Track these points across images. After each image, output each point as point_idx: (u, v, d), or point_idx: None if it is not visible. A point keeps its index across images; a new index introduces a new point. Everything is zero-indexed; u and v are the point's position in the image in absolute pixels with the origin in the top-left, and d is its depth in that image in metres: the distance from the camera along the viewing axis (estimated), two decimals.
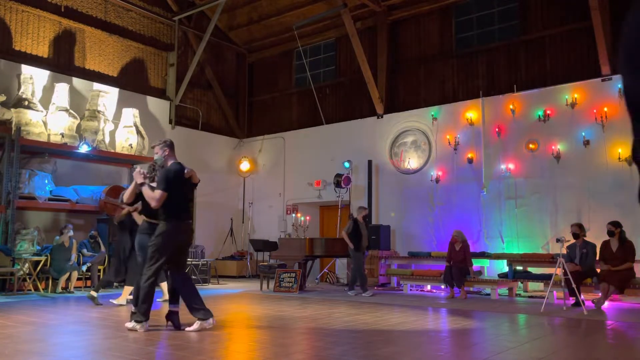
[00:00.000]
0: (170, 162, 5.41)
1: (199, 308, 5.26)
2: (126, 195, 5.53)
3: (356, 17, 12.85)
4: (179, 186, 5.29)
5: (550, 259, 8.99)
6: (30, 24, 11.06)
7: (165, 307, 5.69)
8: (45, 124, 10.34)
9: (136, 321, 5.16)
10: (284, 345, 4.69)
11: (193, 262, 11.24)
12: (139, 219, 7.47)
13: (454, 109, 11.54)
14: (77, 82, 11.42)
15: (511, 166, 10.59)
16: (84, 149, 10.43)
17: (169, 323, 5.38)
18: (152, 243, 5.21)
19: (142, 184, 5.31)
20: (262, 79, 15.62)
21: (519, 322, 6.50)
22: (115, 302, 7.56)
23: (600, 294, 7.60)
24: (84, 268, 9.57)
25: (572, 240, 8.13)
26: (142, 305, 5.17)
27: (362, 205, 10.10)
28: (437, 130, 11.69)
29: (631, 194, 9.32)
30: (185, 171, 5.41)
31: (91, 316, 6.38)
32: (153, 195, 5.19)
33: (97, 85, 11.60)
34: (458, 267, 9.00)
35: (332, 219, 13.34)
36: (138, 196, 5.73)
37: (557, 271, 7.37)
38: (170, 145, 5.51)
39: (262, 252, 11.72)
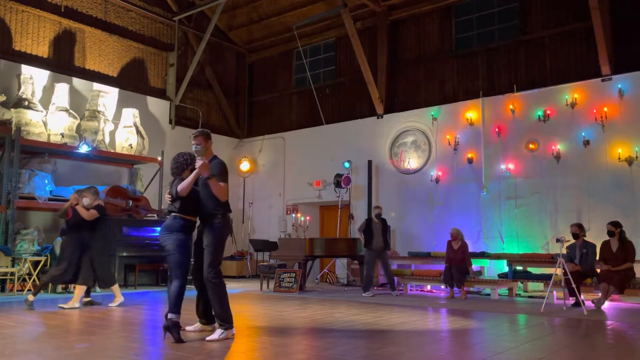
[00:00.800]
0: (211, 155, 5.12)
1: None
2: (184, 188, 4.83)
3: (356, 17, 12.85)
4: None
5: (550, 259, 8.99)
6: (30, 24, 11.06)
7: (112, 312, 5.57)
8: (45, 124, 10.34)
9: (227, 329, 4.87)
10: (284, 345, 4.69)
11: (192, 262, 11.21)
12: (87, 214, 7.13)
13: (454, 109, 11.55)
14: (77, 82, 11.42)
15: (511, 166, 10.59)
16: (84, 149, 10.43)
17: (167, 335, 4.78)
18: (214, 240, 4.92)
19: (209, 178, 4.87)
20: (262, 79, 15.62)
21: (519, 322, 6.50)
22: (65, 306, 6.97)
23: (600, 294, 7.60)
24: None
25: (572, 240, 8.13)
26: (227, 309, 4.91)
27: (377, 205, 10.09)
28: (437, 130, 11.69)
29: (631, 194, 9.33)
30: None
31: (91, 316, 6.38)
32: (224, 188, 4.89)
33: (97, 85, 11.60)
34: (457, 266, 9.00)
35: (332, 219, 13.34)
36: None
37: (557, 271, 7.37)
38: (210, 136, 5.22)
39: (262, 252, 11.71)
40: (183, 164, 5.05)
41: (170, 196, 5.01)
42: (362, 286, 9.31)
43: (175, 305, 4.76)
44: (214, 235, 4.95)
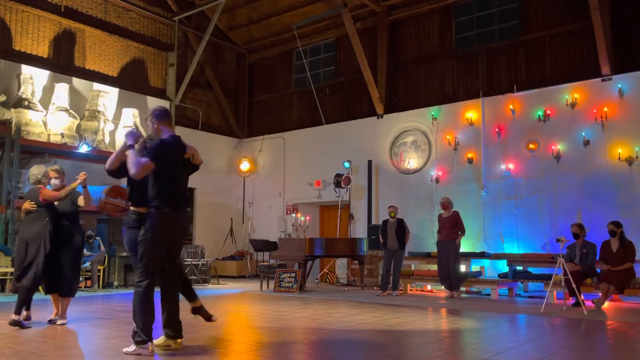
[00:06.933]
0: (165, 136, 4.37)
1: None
2: (110, 160, 4.43)
3: (356, 17, 12.85)
4: (172, 164, 4.30)
5: (550, 259, 8.98)
6: (30, 24, 11.06)
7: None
8: (45, 124, 10.34)
9: (138, 343, 4.13)
10: (284, 345, 4.69)
11: (193, 262, 11.24)
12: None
13: (454, 109, 11.54)
14: (77, 82, 11.42)
15: (511, 166, 10.59)
16: (84, 149, 10.43)
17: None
18: (142, 235, 4.22)
19: (131, 146, 4.28)
20: (262, 79, 15.61)
21: (519, 322, 6.50)
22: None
23: (600, 294, 7.60)
24: (85, 267, 9.55)
25: (572, 240, 8.13)
26: (143, 321, 4.13)
27: (390, 205, 10.12)
28: (437, 130, 11.68)
29: (631, 194, 9.33)
30: (187, 149, 4.44)
31: (91, 316, 6.38)
32: (137, 161, 4.13)
33: (97, 85, 11.60)
34: (448, 241, 9.01)
35: (332, 219, 13.34)
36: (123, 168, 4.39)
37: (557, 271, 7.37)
38: (161, 115, 4.44)
39: (262, 252, 11.72)
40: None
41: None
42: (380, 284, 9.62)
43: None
44: (145, 229, 4.23)
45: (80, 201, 5.85)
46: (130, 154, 4.20)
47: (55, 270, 5.59)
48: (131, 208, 4.40)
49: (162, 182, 4.24)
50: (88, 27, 11.98)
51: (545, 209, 10.15)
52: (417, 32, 12.60)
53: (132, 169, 4.12)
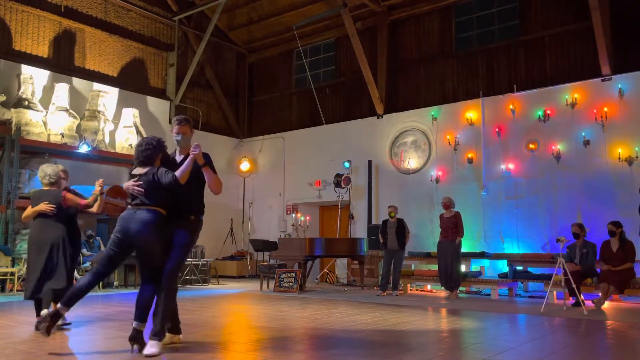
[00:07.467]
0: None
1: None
2: (184, 173, 4.26)
3: (356, 17, 12.85)
4: None
5: (550, 259, 8.99)
6: (30, 24, 11.06)
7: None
8: (45, 124, 10.35)
9: (161, 340, 4.23)
10: (284, 346, 4.69)
11: (193, 262, 11.24)
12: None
13: (454, 109, 11.55)
14: (77, 82, 11.42)
15: (511, 166, 10.59)
16: (84, 149, 10.43)
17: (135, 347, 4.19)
18: (189, 240, 4.44)
19: (203, 165, 4.36)
20: (262, 79, 15.62)
21: (519, 322, 6.50)
22: None
23: (600, 294, 7.60)
24: (85, 266, 9.55)
25: (572, 240, 8.13)
26: (167, 317, 4.35)
27: (390, 205, 10.13)
28: (437, 130, 11.69)
29: (631, 194, 9.32)
30: None
31: (91, 316, 6.38)
32: (219, 180, 4.48)
33: (97, 85, 11.60)
34: (448, 241, 9.01)
35: (332, 219, 13.34)
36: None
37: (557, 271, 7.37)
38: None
39: (262, 252, 11.72)
40: (157, 149, 4.42)
41: (142, 189, 4.28)
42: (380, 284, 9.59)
43: (145, 313, 4.22)
44: (190, 235, 4.46)
45: (95, 207, 5.82)
46: (210, 173, 4.44)
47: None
48: (157, 209, 4.31)
49: (202, 191, 4.61)
50: (88, 27, 11.98)
51: (545, 209, 10.15)
52: (417, 32, 12.61)
53: (217, 189, 4.53)
